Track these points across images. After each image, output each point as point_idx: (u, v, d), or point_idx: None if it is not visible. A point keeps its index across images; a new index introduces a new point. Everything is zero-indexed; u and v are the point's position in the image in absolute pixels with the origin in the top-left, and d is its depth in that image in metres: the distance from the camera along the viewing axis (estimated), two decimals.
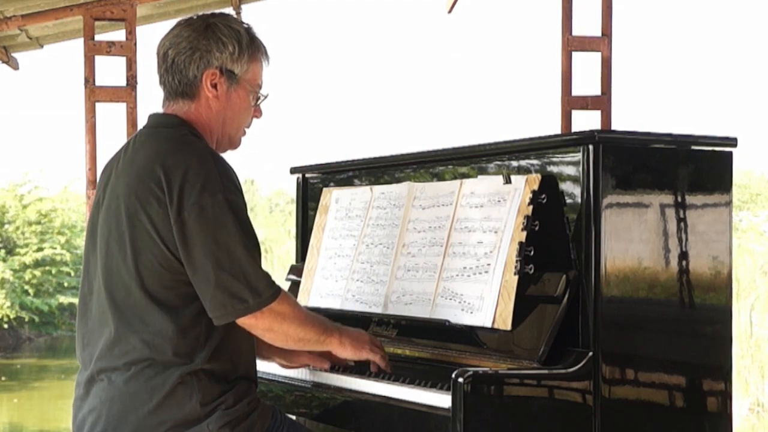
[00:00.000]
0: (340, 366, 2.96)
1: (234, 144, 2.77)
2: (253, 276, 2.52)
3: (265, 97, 2.78)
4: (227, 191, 2.53)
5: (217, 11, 2.80)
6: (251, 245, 2.55)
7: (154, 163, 2.55)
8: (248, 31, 2.72)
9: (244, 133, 2.80)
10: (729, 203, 2.87)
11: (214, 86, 2.66)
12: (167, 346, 2.52)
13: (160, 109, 2.75)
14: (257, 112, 2.79)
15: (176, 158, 2.54)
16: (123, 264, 2.56)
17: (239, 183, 2.61)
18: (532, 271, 2.74)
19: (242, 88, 2.70)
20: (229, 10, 5.85)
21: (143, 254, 2.53)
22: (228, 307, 2.51)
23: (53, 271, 18.10)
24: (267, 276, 2.56)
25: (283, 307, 2.59)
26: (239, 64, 2.68)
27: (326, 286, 3.40)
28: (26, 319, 17.52)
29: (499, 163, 2.98)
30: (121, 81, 5.37)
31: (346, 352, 2.80)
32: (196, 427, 2.51)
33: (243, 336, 2.63)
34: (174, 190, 2.49)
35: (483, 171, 3.02)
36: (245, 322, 2.56)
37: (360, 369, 2.91)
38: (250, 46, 2.70)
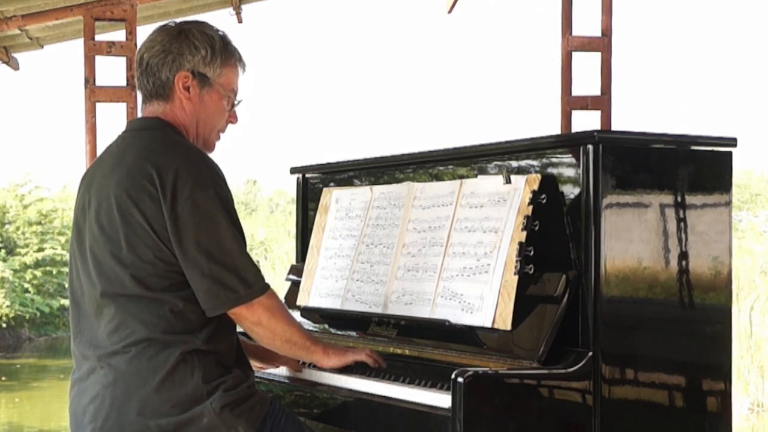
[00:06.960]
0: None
1: (208, 147, 2.80)
2: (243, 268, 2.60)
3: (240, 102, 2.83)
4: (217, 187, 2.60)
5: (200, 17, 2.83)
6: (241, 238, 2.63)
7: (144, 161, 2.60)
8: (222, 37, 2.77)
9: (219, 137, 2.84)
10: (729, 203, 2.87)
11: (187, 89, 2.72)
12: (165, 326, 2.57)
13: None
14: (232, 118, 2.84)
15: (166, 157, 2.59)
16: (117, 258, 2.59)
17: (225, 179, 2.67)
18: (532, 271, 2.74)
19: (215, 92, 2.75)
20: (229, 10, 5.85)
21: (138, 247, 2.57)
22: (221, 297, 2.57)
23: (54, 272, 18.09)
24: (257, 269, 2.64)
25: (272, 302, 2.66)
26: (212, 67, 2.73)
27: (326, 286, 3.40)
28: (26, 319, 17.51)
29: (499, 163, 2.98)
30: (121, 81, 5.37)
31: (331, 361, 2.87)
32: (199, 405, 2.54)
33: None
34: (167, 187, 2.55)
35: (483, 171, 3.02)
36: (236, 312, 2.62)
37: (360, 369, 2.91)
38: (224, 52, 2.75)
